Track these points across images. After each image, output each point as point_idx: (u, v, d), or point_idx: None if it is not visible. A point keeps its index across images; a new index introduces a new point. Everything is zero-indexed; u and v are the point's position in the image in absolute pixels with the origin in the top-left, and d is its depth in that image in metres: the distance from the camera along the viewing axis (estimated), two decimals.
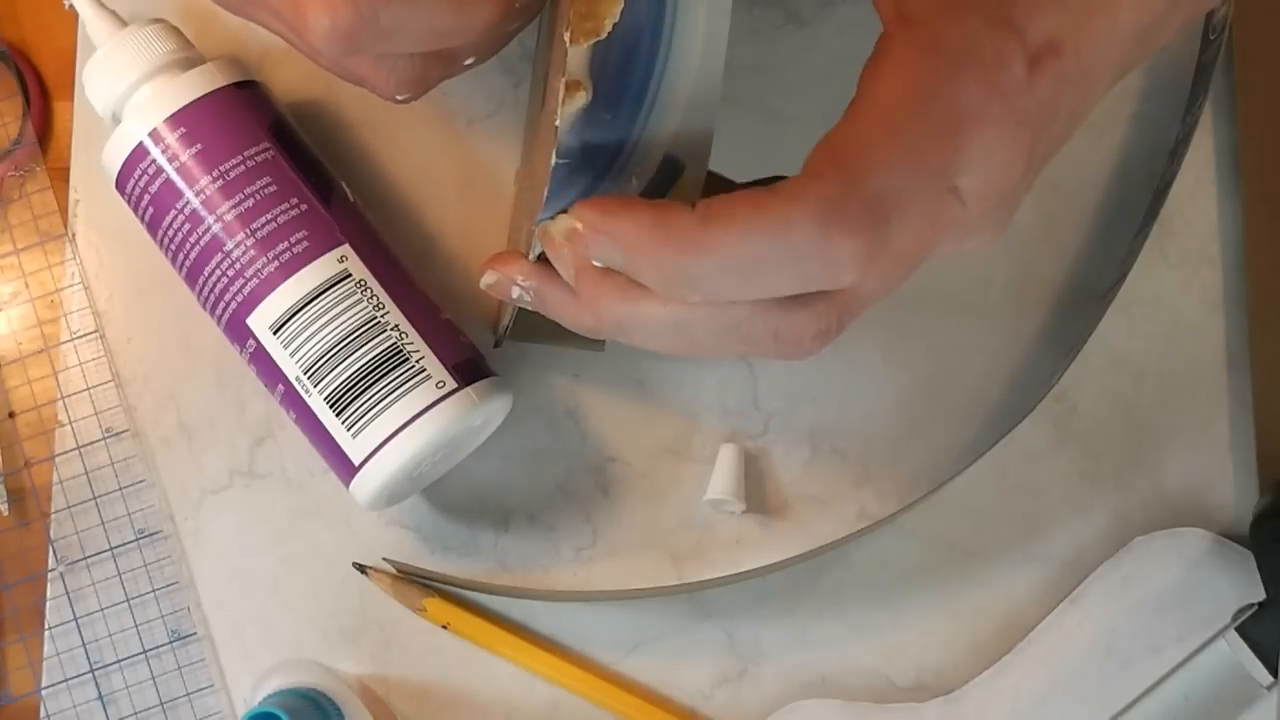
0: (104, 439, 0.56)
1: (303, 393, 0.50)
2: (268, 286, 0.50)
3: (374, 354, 0.50)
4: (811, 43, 0.57)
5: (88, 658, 0.55)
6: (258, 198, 0.51)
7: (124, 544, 0.56)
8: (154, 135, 0.51)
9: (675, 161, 0.42)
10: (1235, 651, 0.53)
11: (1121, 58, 0.41)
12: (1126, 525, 0.56)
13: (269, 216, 0.50)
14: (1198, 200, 0.57)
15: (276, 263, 0.50)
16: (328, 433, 0.51)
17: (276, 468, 0.56)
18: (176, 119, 0.51)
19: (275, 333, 0.50)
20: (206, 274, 0.51)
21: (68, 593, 0.56)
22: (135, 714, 0.55)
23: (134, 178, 0.51)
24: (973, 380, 0.56)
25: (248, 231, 0.50)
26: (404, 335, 0.50)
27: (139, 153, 0.51)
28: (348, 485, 0.51)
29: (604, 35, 0.40)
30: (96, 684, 0.55)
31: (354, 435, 0.50)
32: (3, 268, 0.58)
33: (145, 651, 0.56)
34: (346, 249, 0.51)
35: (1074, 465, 0.56)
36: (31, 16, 0.58)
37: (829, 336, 0.40)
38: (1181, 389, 0.57)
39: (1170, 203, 0.56)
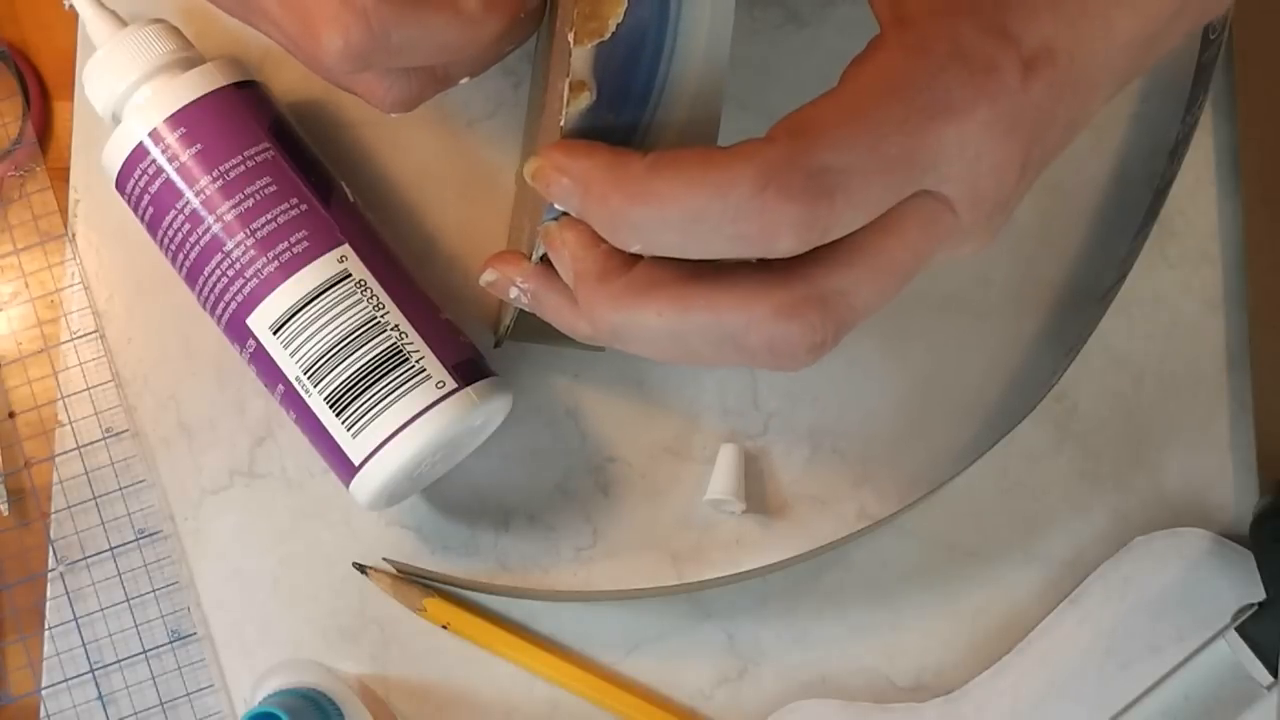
0: (104, 439, 0.56)
1: (303, 393, 0.50)
2: (268, 286, 0.50)
3: (374, 354, 0.50)
4: (811, 43, 0.57)
5: (88, 658, 0.55)
6: (258, 198, 0.51)
7: (124, 544, 0.56)
8: (154, 135, 0.51)
9: None
10: (1235, 651, 0.53)
11: (1123, 67, 0.41)
12: (1126, 525, 0.56)
13: (269, 216, 0.50)
14: (1198, 200, 0.57)
15: (276, 263, 0.50)
16: (328, 433, 0.51)
17: (276, 468, 0.56)
18: (176, 119, 0.51)
19: (275, 333, 0.50)
20: (206, 274, 0.51)
21: (68, 593, 0.56)
22: (135, 714, 0.55)
23: (134, 178, 0.51)
24: (972, 380, 0.56)
25: (248, 231, 0.50)
26: (404, 335, 0.50)
27: (139, 153, 0.51)
28: (348, 485, 0.51)
29: (608, 35, 0.40)
30: (96, 684, 0.55)
31: (354, 435, 0.50)
32: (3, 268, 0.57)
33: (145, 651, 0.56)
34: (346, 249, 0.51)
35: (1074, 465, 0.56)
36: (31, 16, 0.58)
37: (824, 349, 0.40)
38: (1181, 389, 0.57)
39: (1170, 203, 0.56)
